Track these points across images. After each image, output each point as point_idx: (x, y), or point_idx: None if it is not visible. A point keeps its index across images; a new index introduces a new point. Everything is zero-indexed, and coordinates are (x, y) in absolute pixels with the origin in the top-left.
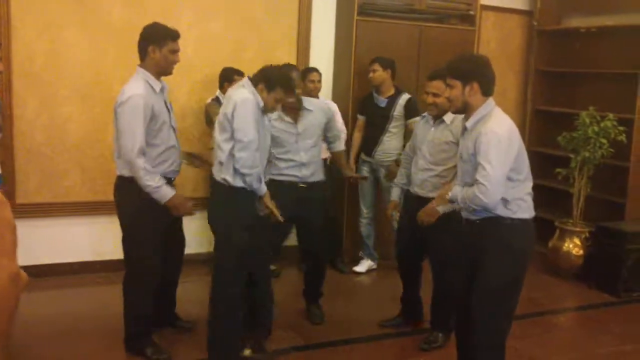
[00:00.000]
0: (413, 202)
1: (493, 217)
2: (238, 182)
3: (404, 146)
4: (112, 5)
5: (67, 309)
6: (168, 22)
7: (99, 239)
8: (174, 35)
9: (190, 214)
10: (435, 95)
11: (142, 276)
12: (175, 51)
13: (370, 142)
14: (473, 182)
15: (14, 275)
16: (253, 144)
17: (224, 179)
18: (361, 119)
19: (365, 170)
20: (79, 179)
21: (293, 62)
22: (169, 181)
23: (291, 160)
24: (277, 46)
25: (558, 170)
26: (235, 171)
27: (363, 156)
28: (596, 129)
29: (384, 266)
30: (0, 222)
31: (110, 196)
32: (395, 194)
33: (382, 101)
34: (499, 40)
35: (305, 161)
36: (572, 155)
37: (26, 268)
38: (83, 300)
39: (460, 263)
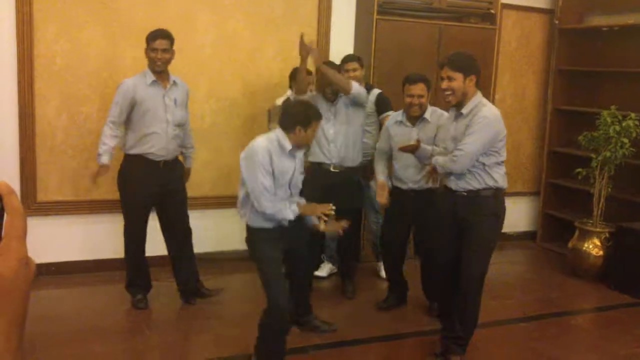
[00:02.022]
0: (407, 197)
1: (478, 190)
2: (255, 223)
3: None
4: (132, 6)
5: (87, 307)
6: (187, 22)
7: (119, 237)
8: (153, 36)
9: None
10: (420, 96)
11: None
12: (154, 49)
13: None
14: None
15: (23, 258)
16: (266, 191)
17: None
18: None
19: None
20: (99, 178)
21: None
22: (153, 163)
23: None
24: (296, 46)
25: (578, 170)
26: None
27: None
28: (617, 128)
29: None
30: (9, 209)
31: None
32: (382, 177)
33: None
34: (520, 39)
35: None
36: (592, 155)
37: (47, 265)
38: (103, 297)
39: (446, 230)
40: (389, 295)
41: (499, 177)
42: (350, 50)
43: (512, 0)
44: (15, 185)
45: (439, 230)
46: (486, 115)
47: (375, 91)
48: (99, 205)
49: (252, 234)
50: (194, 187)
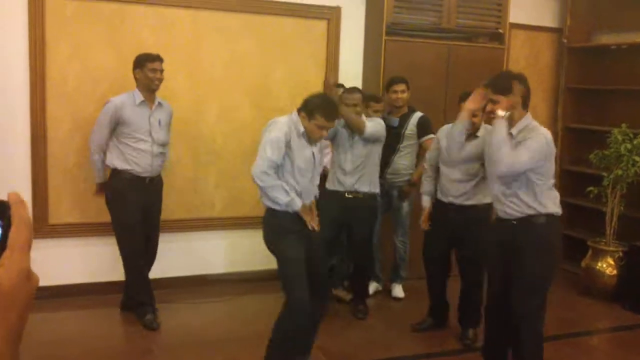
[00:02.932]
0: (448, 210)
1: (528, 217)
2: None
3: (415, 165)
4: (142, 27)
5: (96, 329)
6: (196, 45)
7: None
8: (151, 58)
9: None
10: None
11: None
12: (153, 70)
13: (380, 163)
14: (512, 189)
15: (25, 271)
16: (267, 160)
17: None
18: None
19: None
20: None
21: (321, 82)
22: (139, 178)
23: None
24: (305, 67)
25: (590, 188)
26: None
27: None
28: (629, 146)
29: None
30: (16, 219)
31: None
32: (426, 202)
33: (394, 120)
34: (529, 58)
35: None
36: (604, 174)
37: (58, 287)
38: (111, 320)
39: (494, 261)
40: (426, 317)
41: (549, 202)
42: (359, 71)
43: (521, 19)
44: (27, 208)
45: (489, 262)
46: (543, 134)
47: (418, 114)
48: (109, 228)
49: (274, 217)
50: (205, 208)
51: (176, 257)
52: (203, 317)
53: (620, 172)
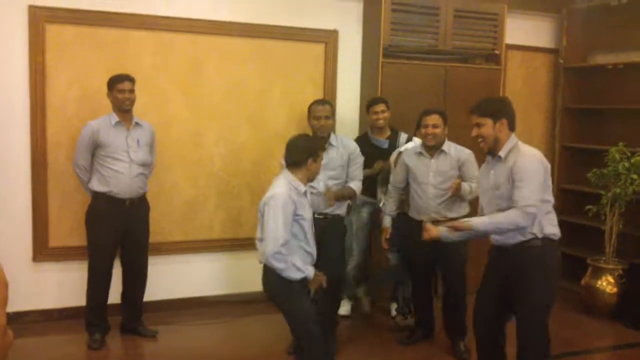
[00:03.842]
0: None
1: (524, 242)
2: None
3: None
4: (141, 53)
5: (95, 351)
6: (196, 68)
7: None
8: (119, 79)
9: None
10: (434, 126)
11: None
12: (121, 90)
13: (372, 184)
14: (508, 206)
15: (2, 327)
16: (281, 239)
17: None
18: None
19: (365, 212)
20: None
21: None
22: (118, 201)
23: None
24: (303, 89)
25: (589, 207)
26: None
27: (365, 198)
28: (627, 164)
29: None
30: None
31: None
32: (388, 222)
33: (383, 142)
34: (525, 79)
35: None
36: (602, 192)
37: (58, 310)
38: (111, 341)
39: (487, 285)
40: (413, 330)
41: (546, 225)
42: (357, 93)
43: (517, 40)
44: (27, 231)
45: (482, 286)
46: (529, 159)
47: (404, 135)
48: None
49: (285, 286)
50: (204, 230)
51: (175, 279)
52: (202, 339)
53: (618, 190)
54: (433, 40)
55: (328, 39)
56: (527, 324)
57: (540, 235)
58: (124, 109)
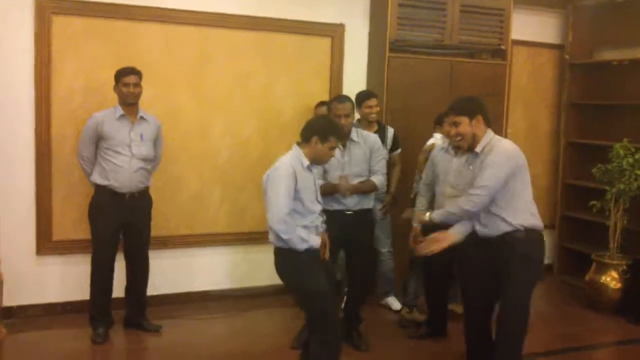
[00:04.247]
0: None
1: (508, 233)
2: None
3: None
4: (148, 46)
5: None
6: (202, 62)
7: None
8: (125, 72)
9: None
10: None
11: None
12: (126, 84)
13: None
14: (492, 209)
15: None
16: (284, 207)
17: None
18: None
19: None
20: None
21: (326, 98)
22: (118, 195)
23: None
24: (310, 83)
25: (593, 202)
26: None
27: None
28: (631, 160)
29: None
30: None
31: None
32: (417, 220)
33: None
34: (531, 74)
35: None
36: (607, 188)
37: (62, 304)
38: (114, 336)
39: (474, 277)
40: (424, 324)
41: (528, 217)
42: (363, 87)
43: (523, 36)
44: (31, 224)
45: (472, 279)
46: (500, 151)
47: (390, 129)
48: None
49: (291, 257)
50: (209, 224)
51: (180, 273)
52: (207, 333)
53: (622, 186)
54: (439, 35)
55: (334, 33)
56: (511, 307)
57: (522, 228)
58: (128, 103)
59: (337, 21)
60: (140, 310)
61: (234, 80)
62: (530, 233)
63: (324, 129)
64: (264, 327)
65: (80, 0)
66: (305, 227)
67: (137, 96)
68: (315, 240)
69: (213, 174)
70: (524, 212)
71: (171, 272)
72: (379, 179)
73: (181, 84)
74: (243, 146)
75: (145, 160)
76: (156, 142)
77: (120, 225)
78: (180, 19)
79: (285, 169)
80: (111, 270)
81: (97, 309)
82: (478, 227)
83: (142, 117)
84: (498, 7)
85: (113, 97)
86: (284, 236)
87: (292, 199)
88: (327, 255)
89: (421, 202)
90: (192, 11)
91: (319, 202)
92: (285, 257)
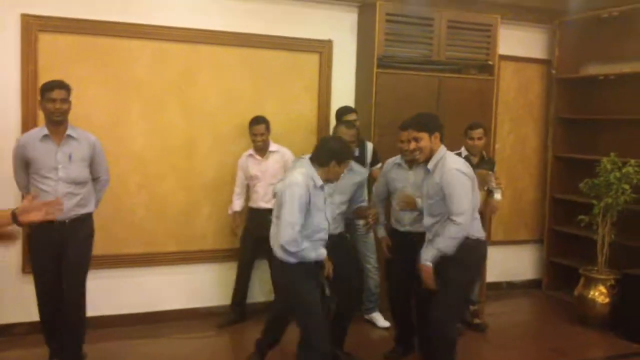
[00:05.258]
0: (401, 237)
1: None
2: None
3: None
4: (136, 63)
5: None
6: (189, 78)
7: (120, 293)
8: (50, 87)
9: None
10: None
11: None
12: (52, 99)
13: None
14: (442, 213)
15: None
16: (297, 225)
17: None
18: None
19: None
20: (99, 234)
21: (314, 114)
22: (46, 223)
23: None
24: (298, 99)
25: (581, 217)
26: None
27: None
28: (618, 174)
29: None
30: None
31: (129, 249)
32: (383, 232)
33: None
34: (518, 89)
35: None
36: (594, 202)
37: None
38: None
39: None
40: (396, 346)
41: (472, 228)
42: (351, 103)
43: (510, 51)
44: (17, 243)
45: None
46: (455, 167)
47: (369, 143)
48: (97, 261)
49: (290, 271)
50: (197, 240)
51: (167, 290)
52: (195, 350)
53: (610, 200)
54: (427, 50)
55: (322, 49)
56: (445, 301)
57: (470, 237)
58: (53, 120)
59: (325, 37)
60: (72, 348)
61: (221, 96)
62: (470, 240)
63: (342, 152)
64: (253, 343)
65: (66, 18)
66: (312, 241)
67: (65, 113)
68: (322, 252)
69: (201, 190)
70: (473, 222)
71: (157, 289)
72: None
73: (168, 101)
74: (231, 162)
75: (75, 183)
76: (94, 161)
77: (55, 255)
78: (167, 36)
79: (299, 187)
80: (52, 299)
81: (53, 341)
82: (429, 236)
83: (69, 136)
84: (485, 22)
85: (101, 114)
86: (298, 250)
87: (304, 216)
88: (330, 270)
89: (381, 214)
90: (179, 28)
91: (327, 219)
92: (286, 268)
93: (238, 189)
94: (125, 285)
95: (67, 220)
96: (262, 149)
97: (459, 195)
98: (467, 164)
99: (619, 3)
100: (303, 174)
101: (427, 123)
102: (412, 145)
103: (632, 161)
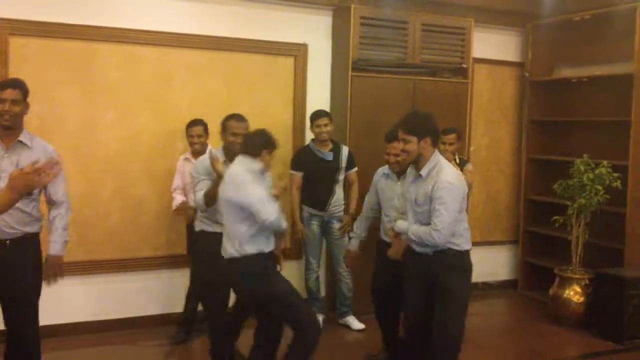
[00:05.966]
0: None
1: (444, 250)
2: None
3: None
4: (108, 66)
5: None
6: (163, 81)
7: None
8: (0, 86)
9: None
10: (396, 155)
11: None
12: (2, 100)
13: (321, 196)
14: (428, 223)
15: None
16: (267, 201)
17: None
18: (298, 174)
19: (315, 225)
20: (74, 239)
21: (289, 118)
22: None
23: None
24: (273, 103)
25: (555, 218)
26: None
27: (312, 211)
28: (591, 175)
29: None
30: None
31: (106, 255)
32: (355, 245)
33: (327, 154)
34: (492, 92)
35: None
36: (568, 203)
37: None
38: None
39: (414, 292)
40: (382, 349)
41: (462, 242)
42: (327, 106)
43: (484, 54)
44: None
45: (409, 292)
46: (450, 181)
47: (345, 147)
48: (73, 267)
49: (260, 263)
50: (172, 245)
51: (144, 296)
52: (170, 356)
53: (583, 201)
54: (402, 54)
55: (297, 53)
56: (447, 314)
57: (456, 249)
58: (2, 124)
59: (300, 41)
60: None
61: (195, 100)
62: (461, 252)
63: (271, 141)
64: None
65: (37, 21)
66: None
67: (16, 116)
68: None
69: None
70: (459, 237)
71: (134, 296)
72: None
73: (141, 105)
74: None
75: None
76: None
77: None
78: (139, 40)
79: (252, 180)
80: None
81: None
82: (416, 246)
83: (20, 142)
84: (459, 26)
85: (73, 118)
86: (275, 215)
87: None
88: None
89: (361, 223)
90: (151, 31)
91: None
92: (246, 265)
93: (177, 190)
94: (99, 292)
95: (7, 242)
96: (199, 153)
97: (448, 210)
98: (461, 174)
99: (591, 6)
100: (244, 167)
101: (418, 126)
102: (400, 145)
103: (605, 162)
